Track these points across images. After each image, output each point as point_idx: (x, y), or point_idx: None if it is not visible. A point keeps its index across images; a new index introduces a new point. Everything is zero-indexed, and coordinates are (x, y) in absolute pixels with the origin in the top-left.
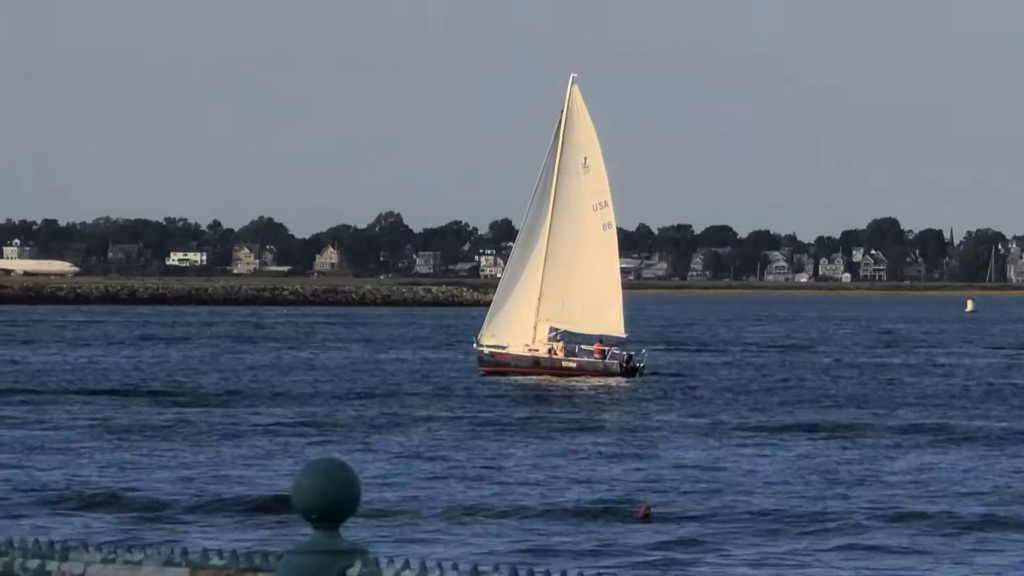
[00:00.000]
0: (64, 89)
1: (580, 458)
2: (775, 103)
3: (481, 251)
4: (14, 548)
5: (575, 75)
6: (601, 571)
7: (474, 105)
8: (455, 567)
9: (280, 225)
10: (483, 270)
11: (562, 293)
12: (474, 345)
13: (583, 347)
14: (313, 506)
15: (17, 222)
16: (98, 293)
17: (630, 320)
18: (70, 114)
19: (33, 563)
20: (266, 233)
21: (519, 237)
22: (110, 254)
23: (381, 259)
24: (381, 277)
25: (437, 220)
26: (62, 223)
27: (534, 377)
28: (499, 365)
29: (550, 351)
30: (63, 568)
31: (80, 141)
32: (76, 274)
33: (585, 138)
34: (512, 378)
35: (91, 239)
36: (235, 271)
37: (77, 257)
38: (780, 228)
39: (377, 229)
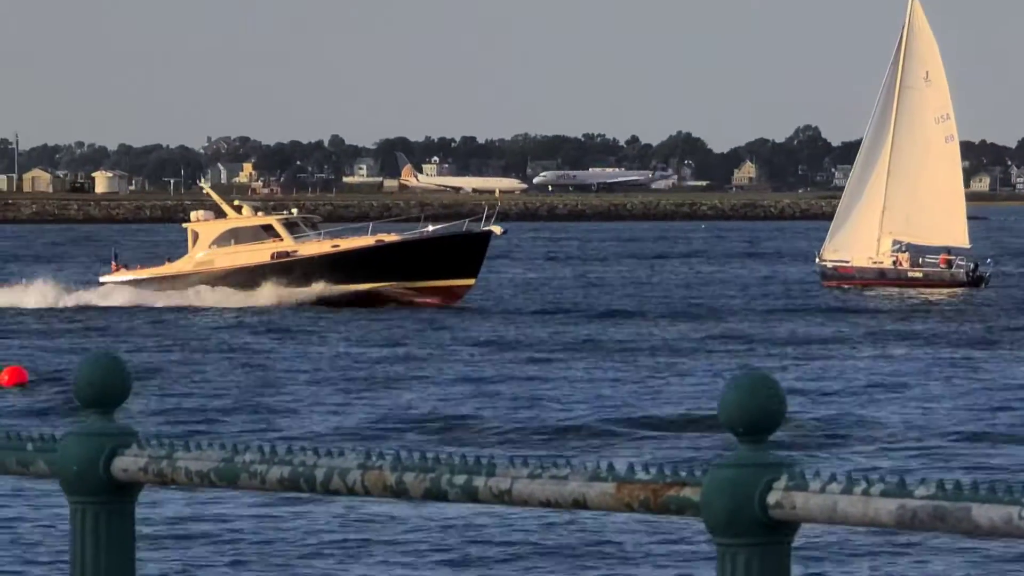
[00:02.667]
0: (485, 9)
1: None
2: None
3: None
4: (441, 464)
5: None
6: None
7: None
8: (882, 479)
9: (698, 140)
10: None
11: (906, 206)
12: (816, 260)
13: (928, 258)
14: (738, 420)
15: (436, 139)
16: (516, 210)
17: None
18: (490, 30)
19: (460, 479)
20: (684, 148)
21: (860, 152)
22: (529, 171)
23: (799, 173)
24: (799, 191)
25: (855, 133)
26: (480, 140)
27: (879, 289)
28: (843, 278)
29: (895, 262)
30: (490, 483)
31: (498, 57)
32: (523, 191)
33: (927, 52)
34: (857, 289)
35: (510, 156)
36: (653, 187)
37: (496, 174)
38: None
39: (795, 143)
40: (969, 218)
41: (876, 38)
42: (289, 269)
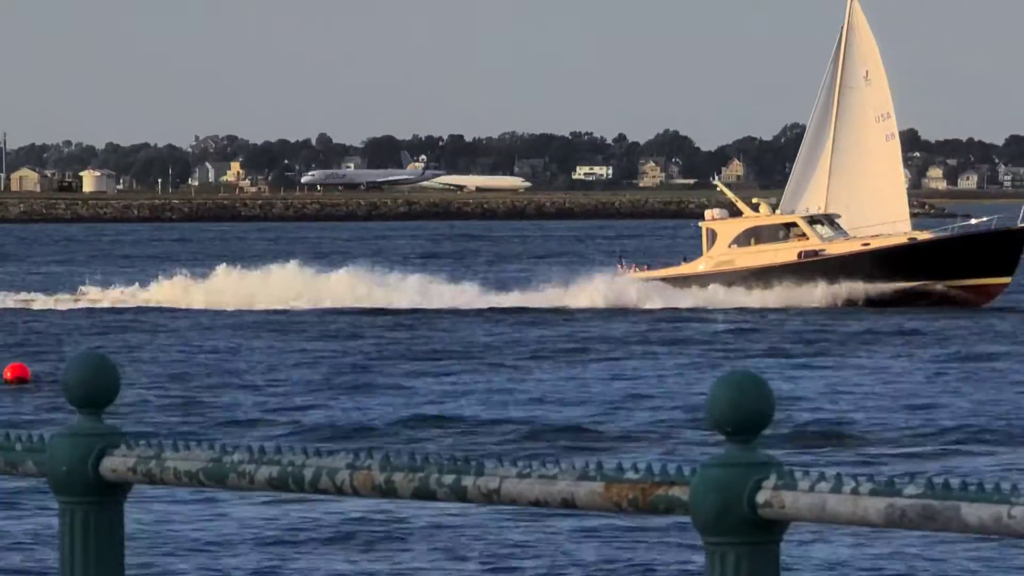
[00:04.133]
0: (473, 6)
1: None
2: None
3: None
4: (430, 463)
5: None
6: None
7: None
8: (870, 479)
9: (686, 138)
10: None
11: (848, 204)
12: None
13: None
14: (727, 419)
15: (424, 137)
16: (505, 208)
17: None
18: (478, 30)
19: (449, 478)
20: (672, 146)
21: (801, 149)
22: (516, 169)
23: (787, 171)
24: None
25: None
26: (468, 138)
27: None
28: None
29: None
30: (478, 483)
31: (487, 55)
32: (527, 190)
33: (866, 51)
34: None
35: (497, 154)
36: (641, 185)
37: (483, 172)
38: None
39: (783, 141)
40: (956, 216)
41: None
42: (818, 268)
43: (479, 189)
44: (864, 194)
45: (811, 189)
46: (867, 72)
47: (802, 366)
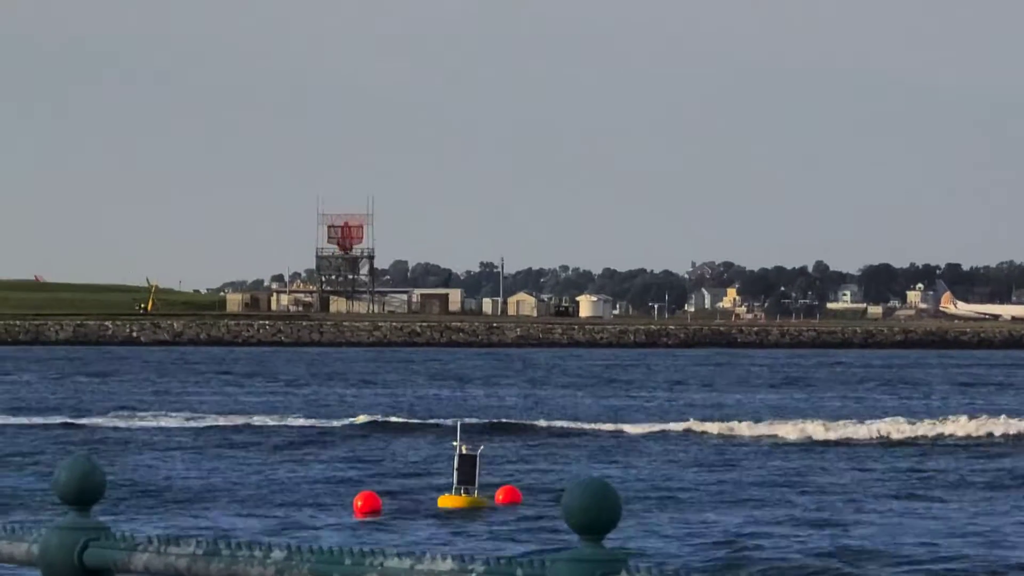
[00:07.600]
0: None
1: None
2: None
3: None
4: None
5: None
6: None
7: None
8: None
9: None
10: None
11: None
12: None
13: None
14: None
15: (920, 266)
16: (1001, 338)
17: None
18: (983, 157)
19: None
20: None
21: None
22: (1013, 298)
23: None
24: None
25: None
26: (965, 267)
27: None
28: None
29: None
30: None
31: (977, 184)
32: None
33: None
34: None
35: (995, 283)
36: None
37: (980, 302)
38: None
39: None
40: None
41: None
42: None
43: (1014, 319)
44: None
45: None
46: None
47: None
